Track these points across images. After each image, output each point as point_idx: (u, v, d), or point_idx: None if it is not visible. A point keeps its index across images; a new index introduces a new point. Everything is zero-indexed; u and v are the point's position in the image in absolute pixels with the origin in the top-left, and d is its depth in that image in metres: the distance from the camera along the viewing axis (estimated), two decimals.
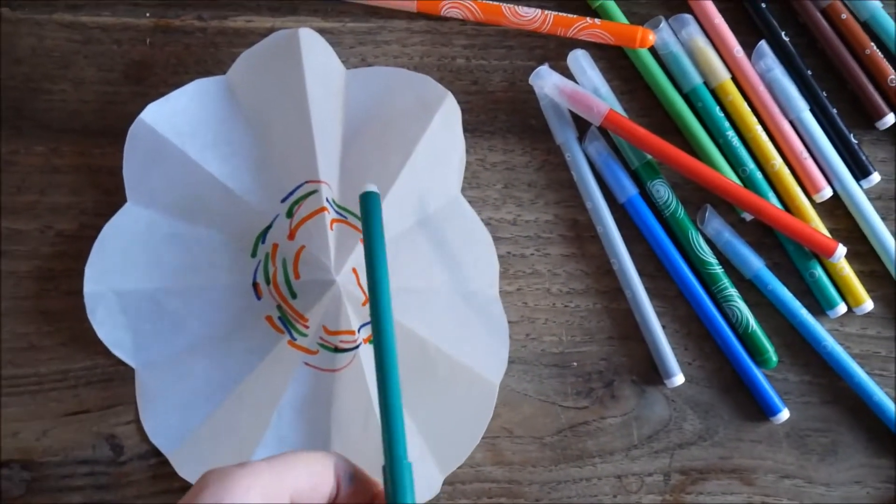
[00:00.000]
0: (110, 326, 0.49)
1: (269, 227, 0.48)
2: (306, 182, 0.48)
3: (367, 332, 0.49)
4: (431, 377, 0.49)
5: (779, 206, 0.50)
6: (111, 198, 0.50)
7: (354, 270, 0.48)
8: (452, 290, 0.50)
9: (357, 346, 0.48)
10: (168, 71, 0.51)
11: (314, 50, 0.48)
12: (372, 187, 0.43)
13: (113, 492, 0.50)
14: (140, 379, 0.49)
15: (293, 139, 0.48)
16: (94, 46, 0.51)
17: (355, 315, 0.48)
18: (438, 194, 0.50)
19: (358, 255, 0.48)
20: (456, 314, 0.50)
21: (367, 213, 0.42)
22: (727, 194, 0.49)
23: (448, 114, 0.50)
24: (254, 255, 0.49)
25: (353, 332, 0.48)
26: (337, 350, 0.48)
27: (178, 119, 0.48)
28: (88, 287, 0.48)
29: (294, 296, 0.48)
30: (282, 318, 0.48)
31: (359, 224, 0.48)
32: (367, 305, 0.48)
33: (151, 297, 0.49)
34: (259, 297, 0.49)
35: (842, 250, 0.49)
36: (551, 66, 0.50)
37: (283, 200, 0.48)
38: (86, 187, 0.51)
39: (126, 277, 0.49)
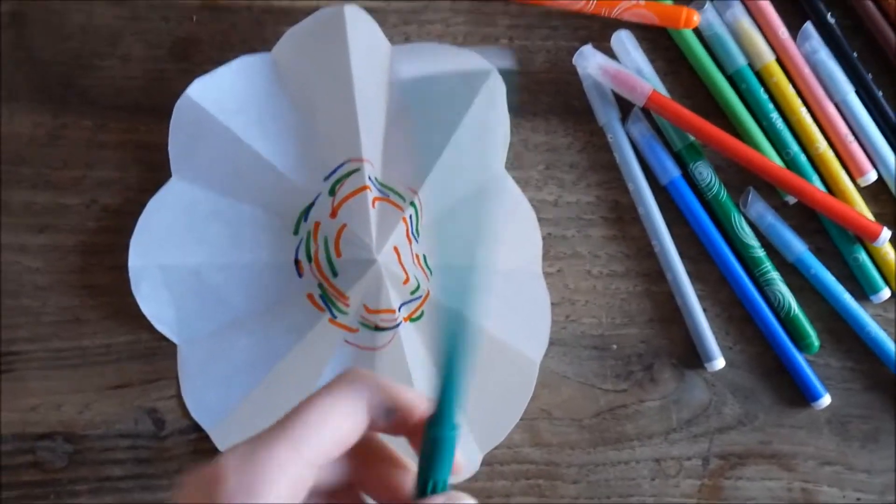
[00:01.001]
0: (154, 301, 0.49)
1: (312, 205, 0.49)
2: (349, 160, 0.48)
3: (407, 310, 0.49)
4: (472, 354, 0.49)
5: (823, 189, 0.50)
6: (156, 174, 0.50)
7: (396, 249, 0.48)
8: (495, 267, 0.50)
9: (397, 325, 0.48)
10: (214, 48, 0.51)
11: (359, 27, 0.48)
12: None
13: (154, 465, 0.50)
14: (182, 355, 0.50)
15: (337, 117, 0.48)
16: (142, 23, 0.51)
17: (396, 294, 0.48)
18: (482, 170, 0.50)
19: (399, 234, 0.48)
20: (497, 291, 0.50)
21: None
22: (770, 176, 0.49)
23: (492, 90, 0.49)
24: (296, 232, 0.49)
25: (393, 311, 0.48)
26: (377, 328, 0.48)
27: (223, 95, 0.49)
28: (133, 261, 0.49)
29: (335, 274, 0.48)
30: (323, 296, 0.48)
31: (400, 202, 0.48)
32: (408, 284, 0.48)
33: (195, 273, 0.49)
34: (301, 275, 0.49)
35: (886, 234, 0.49)
36: (595, 48, 0.50)
37: (326, 179, 0.49)
38: (131, 163, 0.51)
39: (170, 252, 0.49)
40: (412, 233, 0.49)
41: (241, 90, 0.49)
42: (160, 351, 0.50)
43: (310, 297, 0.49)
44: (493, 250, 0.50)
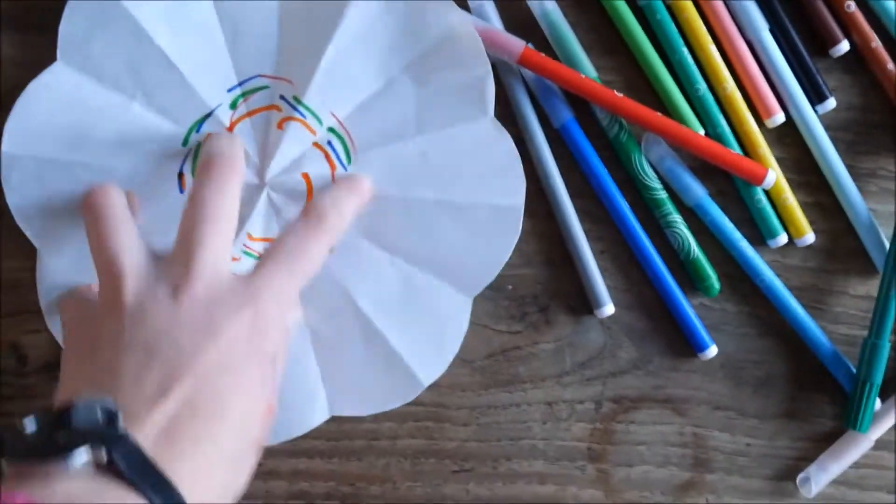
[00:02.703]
0: (21, 195, 0.45)
1: (209, 115, 0.46)
2: (259, 76, 0.46)
3: None
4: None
5: (727, 130, 0.49)
6: (39, 51, 0.46)
7: (306, 176, 0.46)
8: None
9: None
10: None
11: None
12: None
13: (15, 403, 0.48)
14: (43, 261, 0.46)
15: (256, 30, 0.45)
16: None
17: (287, 223, 0.45)
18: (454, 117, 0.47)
19: (312, 160, 0.46)
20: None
21: None
22: (652, 126, 0.47)
23: (464, 42, 0.46)
24: (185, 143, 0.46)
25: None
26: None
27: None
28: (7, 148, 0.45)
29: None
30: None
31: (317, 127, 0.46)
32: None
33: (69, 171, 0.45)
34: (182, 191, 0.46)
35: (772, 176, 0.48)
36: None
37: (230, 90, 0.46)
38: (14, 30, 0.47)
39: (48, 144, 0.45)
40: (337, 159, 0.46)
41: None
42: (27, 282, 0.47)
43: None
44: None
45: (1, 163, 0.45)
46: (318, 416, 0.48)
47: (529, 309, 0.50)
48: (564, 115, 0.49)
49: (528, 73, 0.48)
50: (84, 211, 0.42)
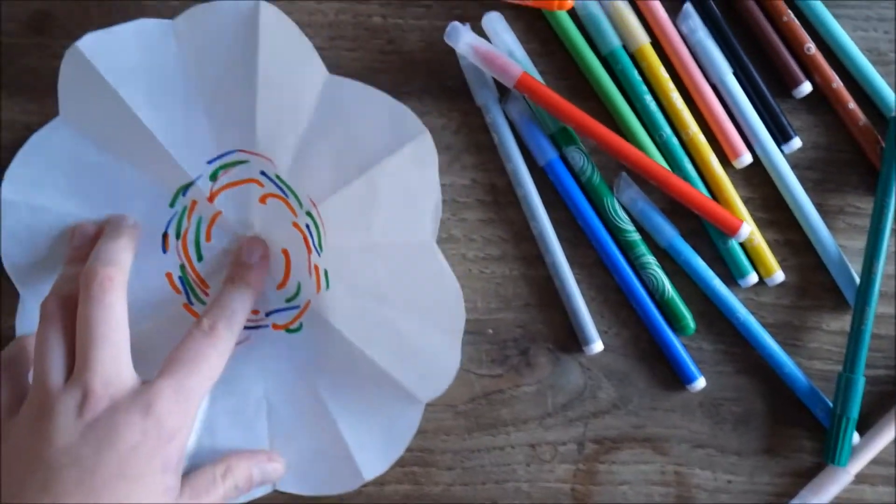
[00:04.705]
0: (12, 238, 0.47)
1: (191, 184, 0.47)
2: (237, 150, 0.47)
3: (283, 318, 0.48)
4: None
5: (693, 173, 0.50)
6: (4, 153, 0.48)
7: (285, 252, 0.47)
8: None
9: (257, 327, 0.47)
10: (73, 22, 0.49)
11: (276, 29, 0.45)
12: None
13: None
14: (25, 305, 0.48)
15: (234, 106, 0.46)
16: None
17: (264, 296, 0.47)
18: (405, 232, 0.46)
19: (291, 239, 0.47)
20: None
21: None
22: (634, 164, 0.49)
23: (420, 150, 0.45)
24: (172, 205, 0.47)
25: (257, 312, 0.47)
26: None
27: (115, 55, 0.45)
28: (6, 194, 0.46)
29: (200, 258, 0.47)
30: (182, 279, 0.47)
31: (297, 209, 0.47)
32: (283, 290, 0.47)
33: (61, 220, 0.47)
34: (165, 251, 0.47)
35: (745, 229, 0.49)
36: (467, 28, 0.49)
37: (210, 162, 0.47)
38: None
39: (44, 193, 0.47)
40: (313, 244, 0.47)
41: (134, 53, 0.45)
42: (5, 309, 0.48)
43: (168, 276, 0.47)
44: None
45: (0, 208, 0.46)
46: (261, 488, 0.48)
47: (510, 352, 0.51)
48: (549, 153, 0.50)
49: (513, 112, 0.50)
50: (82, 292, 0.43)
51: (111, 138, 0.46)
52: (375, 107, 0.44)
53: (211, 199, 0.47)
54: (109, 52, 0.45)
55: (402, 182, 0.45)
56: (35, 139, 0.46)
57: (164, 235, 0.47)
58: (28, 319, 0.47)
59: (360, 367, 0.47)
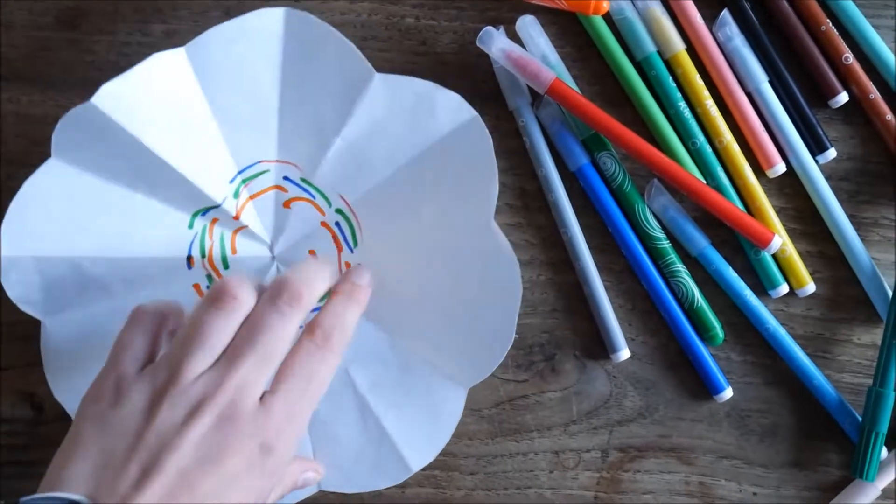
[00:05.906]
0: (23, 286, 0.46)
1: (216, 206, 0.47)
2: (259, 161, 0.47)
3: (309, 319, 0.48)
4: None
5: (726, 181, 0.49)
6: (38, 147, 0.47)
7: (313, 253, 0.47)
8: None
9: None
10: (104, 18, 0.49)
11: (302, 30, 0.45)
12: None
13: (30, 453, 0.48)
14: (46, 332, 0.47)
15: (253, 119, 0.46)
16: None
17: None
18: (456, 213, 0.46)
19: (319, 238, 0.47)
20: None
21: None
22: (665, 173, 0.48)
23: (473, 133, 0.45)
24: (191, 226, 0.47)
25: None
26: None
27: (133, 104, 0.44)
28: (5, 251, 0.45)
29: (227, 266, 0.47)
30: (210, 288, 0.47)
31: (325, 208, 0.47)
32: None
33: (74, 265, 0.46)
34: (191, 268, 0.47)
35: (777, 242, 0.48)
36: (501, 31, 0.49)
37: (232, 181, 0.47)
38: (11, 136, 0.49)
39: (47, 243, 0.46)
40: (345, 241, 0.47)
41: (152, 97, 0.44)
42: (39, 334, 0.48)
43: (196, 287, 0.47)
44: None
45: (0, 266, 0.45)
46: (306, 489, 0.48)
47: (536, 358, 0.51)
48: (581, 158, 0.49)
49: (545, 116, 0.49)
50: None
51: (121, 171, 0.45)
52: (421, 96, 0.45)
53: (237, 216, 0.47)
54: (127, 103, 0.44)
55: (456, 166, 0.45)
56: (26, 188, 0.45)
57: (189, 258, 0.47)
58: (53, 345, 0.47)
59: (398, 359, 0.47)
